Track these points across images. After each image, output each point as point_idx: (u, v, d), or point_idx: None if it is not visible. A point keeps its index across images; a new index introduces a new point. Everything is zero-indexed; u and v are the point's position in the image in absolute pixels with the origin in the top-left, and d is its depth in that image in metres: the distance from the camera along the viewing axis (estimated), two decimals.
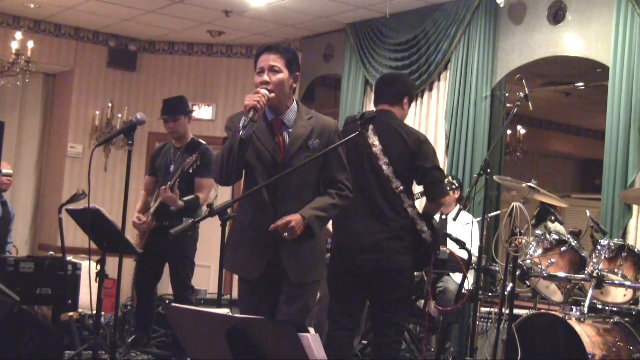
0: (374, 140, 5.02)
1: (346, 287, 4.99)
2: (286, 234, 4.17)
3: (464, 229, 7.41)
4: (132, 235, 6.85)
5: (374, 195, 4.96)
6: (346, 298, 5.04)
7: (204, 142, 6.93)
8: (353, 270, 4.96)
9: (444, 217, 7.64)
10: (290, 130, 4.37)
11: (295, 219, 4.18)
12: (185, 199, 6.63)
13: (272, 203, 4.30)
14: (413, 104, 9.05)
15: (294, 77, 4.41)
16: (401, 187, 4.98)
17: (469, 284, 6.44)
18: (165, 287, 7.84)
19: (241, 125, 4.13)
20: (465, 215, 7.16)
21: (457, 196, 7.76)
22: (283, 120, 4.39)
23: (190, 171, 6.62)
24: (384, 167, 4.98)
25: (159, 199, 6.77)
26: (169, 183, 6.55)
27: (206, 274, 9.78)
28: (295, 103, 4.46)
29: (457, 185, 7.73)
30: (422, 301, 7.20)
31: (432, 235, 5.07)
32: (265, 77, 4.29)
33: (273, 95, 4.25)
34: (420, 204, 5.49)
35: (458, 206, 7.71)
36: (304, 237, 4.24)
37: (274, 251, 4.31)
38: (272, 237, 4.26)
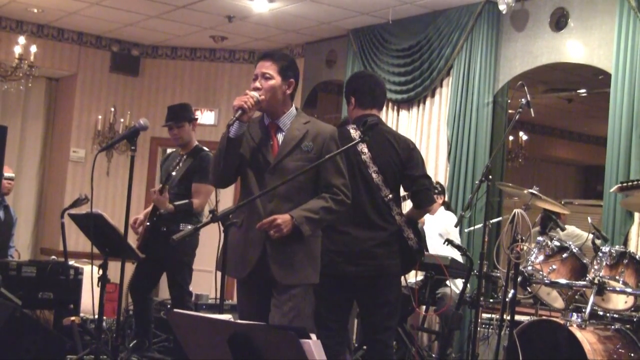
0: (363, 147, 4.98)
1: (335, 292, 4.98)
2: (272, 232, 4.20)
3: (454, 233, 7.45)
4: (133, 240, 6.86)
5: (363, 204, 4.94)
6: (335, 304, 5.03)
7: (206, 149, 6.93)
8: (342, 276, 4.94)
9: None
10: (285, 133, 4.46)
11: (282, 217, 4.22)
12: (177, 203, 6.63)
13: (263, 204, 4.35)
14: (415, 110, 9.13)
15: (288, 83, 4.47)
16: (390, 195, 4.97)
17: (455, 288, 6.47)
18: (167, 291, 7.84)
19: (228, 124, 4.27)
20: (451, 217, 7.23)
21: (441, 200, 7.77)
22: (278, 124, 4.47)
23: (174, 173, 6.65)
24: (374, 175, 4.96)
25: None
26: (159, 186, 6.58)
27: (208, 279, 9.79)
28: (293, 109, 4.54)
29: (440, 189, 7.74)
30: (423, 306, 7.23)
31: (418, 242, 5.08)
32: (257, 84, 4.42)
33: (263, 97, 4.35)
34: (405, 206, 5.46)
35: (442, 209, 7.72)
36: (292, 237, 4.26)
37: (262, 251, 4.33)
38: (260, 236, 4.31)
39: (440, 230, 7.32)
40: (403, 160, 5.03)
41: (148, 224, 6.81)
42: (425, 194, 5.10)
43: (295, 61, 4.63)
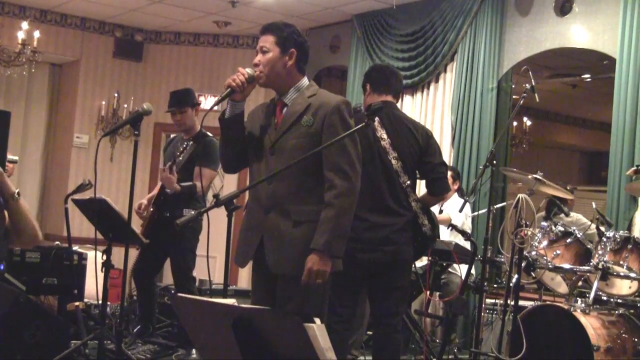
0: (382, 133, 4.99)
1: (347, 279, 4.97)
2: (318, 280, 3.99)
3: (468, 220, 7.44)
4: (137, 225, 6.86)
5: (382, 190, 4.94)
6: (346, 290, 5.02)
7: (210, 134, 6.93)
8: (356, 262, 4.93)
9: (442, 208, 7.65)
10: (287, 108, 4.22)
11: (309, 261, 3.98)
12: (183, 184, 6.64)
13: (262, 186, 4.13)
14: (419, 95, 9.12)
15: (289, 54, 4.19)
16: (408, 182, 4.98)
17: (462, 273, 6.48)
18: (171, 277, 7.87)
19: (212, 104, 4.11)
20: (466, 207, 7.18)
21: (456, 186, 7.80)
22: (284, 100, 4.24)
23: (180, 158, 6.65)
24: (393, 162, 4.96)
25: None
26: (168, 164, 6.58)
27: (212, 265, 9.80)
28: (303, 81, 4.28)
29: (457, 175, 7.77)
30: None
31: (432, 229, 5.09)
32: (256, 59, 4.20)
33: (258, 73, 4.14)
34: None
35: (456, 196, 7.74)
36: (287, 225, 4.09)
37: (260, 239, 4.15)
38: (259, 223, 4.15)
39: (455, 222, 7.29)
40: (422, 147, 5.03)
41: (152, 209, 6.82)
42: (442, 182, 5.12)
43: (298, 30, 4.32)
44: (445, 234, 7.39)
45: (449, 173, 7.65)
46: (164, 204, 6.77)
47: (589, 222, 5.96)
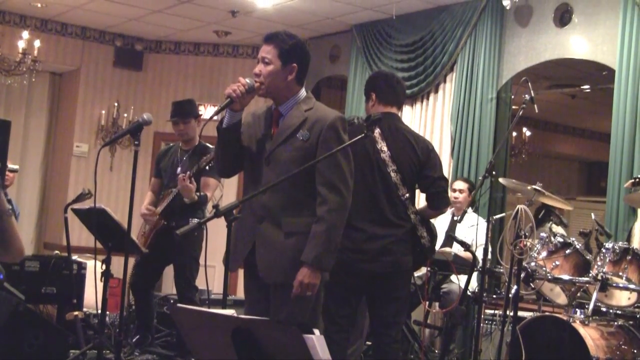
0: (382, 145, 4.99)
1: (346, 289, 4.98)
2: (308, 293, 4.05)
3: (469, 231, 7.43)
4: (137, 235, 6.86)
5: (381, 201, 4.94)
6: (345, 300, 5.02)
7: (210, 146, 6.93)
8: (355, 272, 4.94)
9: (455, 218, 7.64)
10: (283, 121, 4.24)
11: (300, 274, 4.04)
12: (199, 193, 6.66)
13: (255, 196, 4.12)
14: (419, 106, 9.12)
15: (290, 68, 4.21)
16: (407, 194, 4.98)
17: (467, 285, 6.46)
18: (170, 286, 7.86)
19: (212, 114, 4.12)
20: (471, 217, 7.16)
21: (470, 198, 7.77)
22: (280, 111, 4.26)
23: (207, 168, 6.66)
24: (392, 174, 4.96)
25: (166, 199, 6.80)
26: (188, 172, 6.56)
27: (211, 274, 9.79)
28: (301, 94, 4.29)
29: (472, 187, 7.75)
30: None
31: (431, 241, 5.09)
32: (256, 69, 4.21)
33: (258, 85, 4.15)
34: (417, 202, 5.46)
35: (470, 209, 7.74)
36: (279, 234, 4.15)
37: (252, 247, 4.21)
38: (251, 231, 4.19)
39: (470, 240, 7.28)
40: (422, 160, 5.03)
41: (163, 222, 6.82)
42: (441, 196, 5.12)
43: (302, 43, 4.36)
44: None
45: (465, 186, 7.67)
46: (172, 213, 6.78)
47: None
